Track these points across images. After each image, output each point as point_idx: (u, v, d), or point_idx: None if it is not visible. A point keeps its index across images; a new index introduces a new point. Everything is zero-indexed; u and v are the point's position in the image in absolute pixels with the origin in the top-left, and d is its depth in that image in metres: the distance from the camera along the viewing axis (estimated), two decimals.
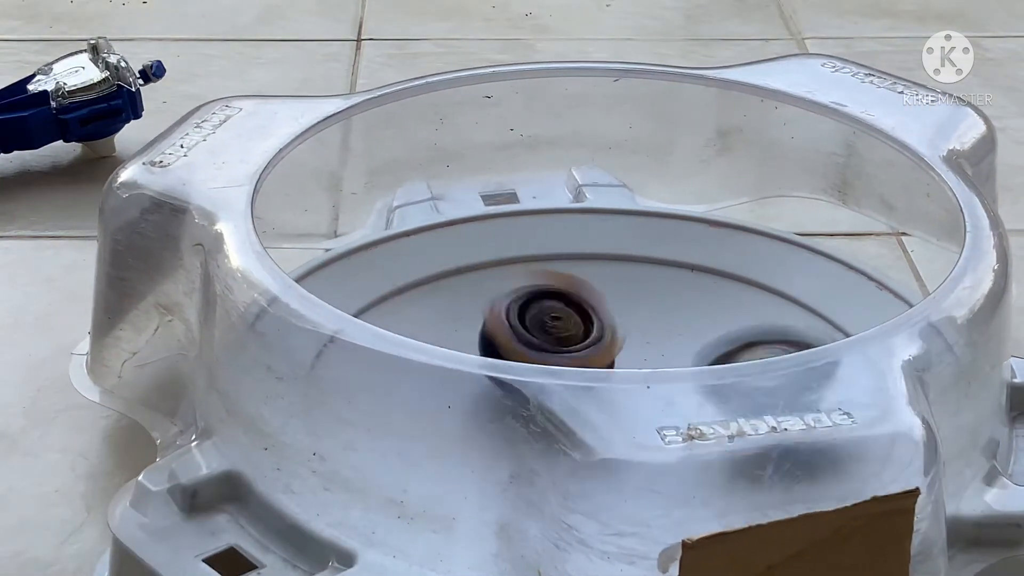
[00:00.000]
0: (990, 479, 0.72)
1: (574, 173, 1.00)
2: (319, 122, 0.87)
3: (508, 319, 0.79)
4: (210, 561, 0.67)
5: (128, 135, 1.18)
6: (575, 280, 0.83)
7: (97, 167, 1.16)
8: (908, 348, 0.67)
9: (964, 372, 0.70)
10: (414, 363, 0.65)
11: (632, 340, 0.90)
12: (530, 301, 0.81)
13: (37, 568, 0.77)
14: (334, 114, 0.88)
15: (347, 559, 0.66)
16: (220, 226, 0.75)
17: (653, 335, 0.91)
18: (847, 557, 0.59)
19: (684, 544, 0.57)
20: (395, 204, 0.97)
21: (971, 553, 0.69)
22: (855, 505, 0.59)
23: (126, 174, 0.81)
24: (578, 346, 0.80)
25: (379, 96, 0.92)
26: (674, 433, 0.61)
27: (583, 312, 0.81)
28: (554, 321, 0.80)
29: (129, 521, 0.69)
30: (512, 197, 0.99)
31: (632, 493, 0.60)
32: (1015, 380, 0.78)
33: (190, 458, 0.72)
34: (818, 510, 0.59)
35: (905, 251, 1.04)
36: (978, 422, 0.72)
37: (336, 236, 0.98)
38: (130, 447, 0.83)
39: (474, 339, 0.86)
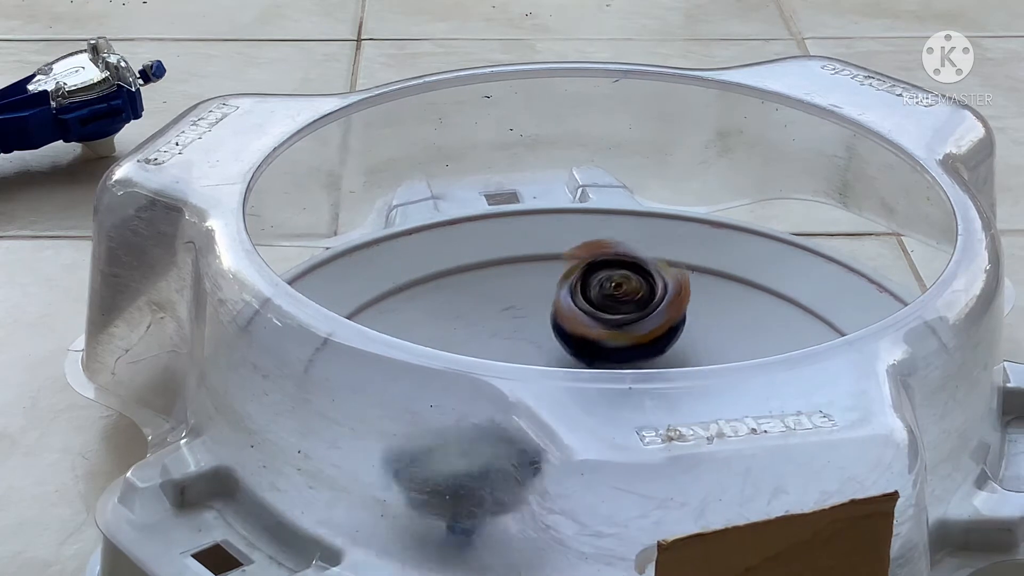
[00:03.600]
0: (980, 483, 0.72)
1: (575, 173, 1.00)
2: (315, 121, 0.87)
3: (581, 308, 0.80)
4: (198, 557, 0.68)
5: (128, 135, 1.18)
6: (605, 243, 0.83)
7: (97, 167, 1.14)
8: (894, 351, 0.67)
9: (953, 375, 0.70)
10: (396, 362, 0.65)
11: None
12: (585, 280, 0.81)
13: (37, 568, 0.77)
14: (330, 113, 0.88)
15: (332, 557, 0.66)
16: (211, 224, 0.75)
17: None
18: (826, 560, 0.59)
19: (660, 545, 0.56)
20: (395, 203, 0.97)
21: (959, 557, 0.69)
22: (834, 507, 0.58)
23: (121, 171, 0.81)
24: (656, 301, 0.81)
25: (377, 95, 0.92)
26: (653, 434, 0.61)
27: (635, 268, 0.82)
28: (618, 289, 0.80)
29: (117, 517, 0.69)
30: (513, 197, 0.99)
31: (610, 494, 0.60)
32: (1008, 384, 0.78)
33: (180, 455, 0.72)
34: (796, 512, 0.59)
35: (905, 252, 1.04)
36: (967, 425, 0.72)
37: (336, 234, 0.98)
38: (130, 447, 0.83)
39: (474, 338, 0.86)
